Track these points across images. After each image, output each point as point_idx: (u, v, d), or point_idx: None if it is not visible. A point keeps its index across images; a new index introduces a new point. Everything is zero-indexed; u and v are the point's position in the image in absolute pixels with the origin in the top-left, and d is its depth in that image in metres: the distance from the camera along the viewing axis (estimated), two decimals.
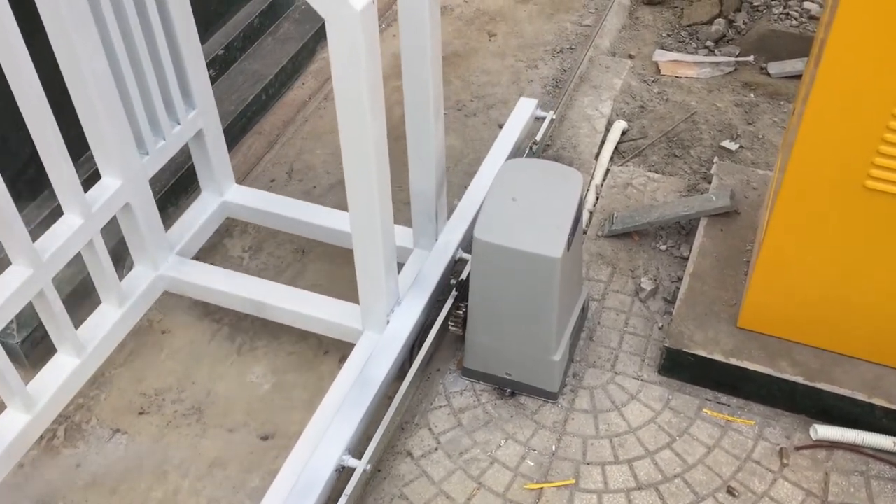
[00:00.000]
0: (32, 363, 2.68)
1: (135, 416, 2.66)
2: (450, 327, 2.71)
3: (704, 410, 2.61)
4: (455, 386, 2.70)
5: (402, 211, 3.02)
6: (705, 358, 2.59)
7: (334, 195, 3.40)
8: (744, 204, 3.06)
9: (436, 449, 2.53)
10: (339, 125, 2.11)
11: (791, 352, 2.59)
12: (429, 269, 2.78)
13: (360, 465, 2.27)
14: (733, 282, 2.79)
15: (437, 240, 2.86)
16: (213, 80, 3.60)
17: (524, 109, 3.51)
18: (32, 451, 2.55)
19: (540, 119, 3.54)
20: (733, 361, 2.57)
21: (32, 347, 2.72)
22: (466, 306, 2.59)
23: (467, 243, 2.89)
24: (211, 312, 2.95)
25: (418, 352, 2.61)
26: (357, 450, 2.35)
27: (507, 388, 2.66)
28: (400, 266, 2.79)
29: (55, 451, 2.56)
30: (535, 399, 2.65)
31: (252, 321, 2.92)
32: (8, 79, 2.13)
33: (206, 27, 3.64)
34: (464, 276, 2.75)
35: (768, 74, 3.99)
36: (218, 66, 3.64)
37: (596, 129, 3.69)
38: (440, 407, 2.64)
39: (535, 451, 2.52)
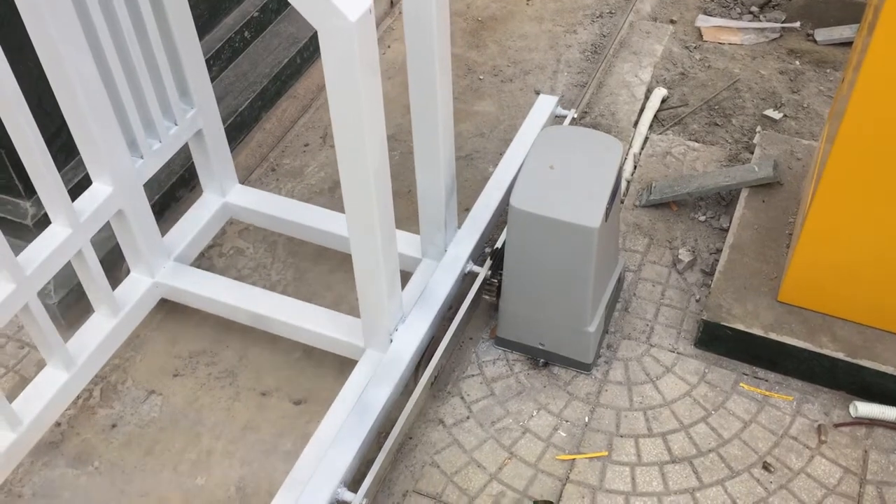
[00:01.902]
0: (69, 323, 2.70)
1: (169, 378, 2.68)
2: (484, 296, 2.68)
3: (741, 385, 2.57)
4: (488, 355, 2.68)
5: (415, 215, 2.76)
6: (744, 332, 2.55)
7: None
8: (787, 175, 2.98)
9: (468, 417, 2.52)
10: (335, 138, 1.94)
11: (832, 327, 2.53)
12: (436, 283, 2.60)
13: (356, 499, 2.12)
14: (774, 254, 2.73)
15: (446, 250, 2.69)
16: (247, 43, 3.57)
17: (543, 108, 3.21)
18: (69, 411, 2.58)
19: (560, 118, 3.25)
20: (772, 336, 2.52)
21: (68, 309, 2.74)
22: (501, 275, 2.56)
23: (478, 255, 2.75)
24: (244, 277, 2.95)
25: (424, 370, 2.44)
26: (354, 479, 2.21)
27: (541, 358, 2.63)
28: (407, 276, 2.65)
29: (91, 411, 2.59)
30: (568, 370, 2.62)
31: (285, 286, 2.92)
32: None
33: None
34: (499, 244, 2.71)
35: (815, 41, 3.87)
36: (253, 29, 3.61)
37: (635, 96, 3.61)
38: (473, 375, 2.62)
39: (567, 422, 2.50)
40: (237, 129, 3.32)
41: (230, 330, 2.79)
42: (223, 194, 2.92)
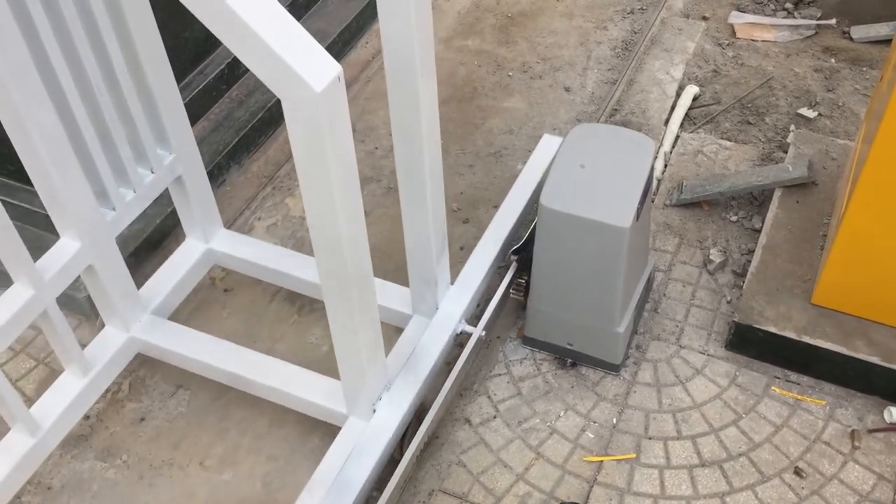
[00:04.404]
0: (97, 315, 2.72)
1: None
2: (511, 294, 2.67)
3: (773, 388, 2.53)
4: (515, 354, 2.66)
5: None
6: (776, 334, 2.51)
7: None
8: (822, 175, 2.93)
9: (494, 417, 2.50)
10: (305, 209, 1.80)
11: (867, 331, 2.49)
12: (425, 346, 2.43)
13: None
14: (808, 256, 2.68)
15: (438, 307, 2.52)
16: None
17: (547, 149, 3.00)
18: (98, 404, 2.59)
19: None
20: (805, 339, 2.48)
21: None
22: (529, 274, 2.54)
23: (471, 314, 2.58)
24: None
25: (409, 443, 2.28)
26: None
27: (569, 359, 2.61)
28: (398, 331, 2.53)
29: (120, 405, 2.61)
30: (596, 370, 2.60)
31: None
32: None
33: None
34: (521, 242, 2.67)
35: (851, 39, 3.80)
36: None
37: (666, 93, 3.57)
38: (500, 375, 2.61)
39: (595, 423, 2.48)
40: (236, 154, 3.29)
41: (259, 323, 2.80)
42: (206, 240, 2.75)
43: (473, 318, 2.57)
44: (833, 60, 3.71)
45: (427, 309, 2.52)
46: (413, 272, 2.44)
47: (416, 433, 2.29)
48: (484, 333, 2.51)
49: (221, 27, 1.54)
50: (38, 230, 2.73)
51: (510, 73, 3.74)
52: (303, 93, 1.55)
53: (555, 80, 3.71)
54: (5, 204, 2.03)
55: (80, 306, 2.75)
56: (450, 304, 2.54)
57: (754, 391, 2.53)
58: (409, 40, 1.89)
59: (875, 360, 2.43)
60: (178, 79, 2.43)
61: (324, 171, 1.68)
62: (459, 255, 2.94)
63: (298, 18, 3.75)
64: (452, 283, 2.60)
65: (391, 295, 2.59)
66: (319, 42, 3.62)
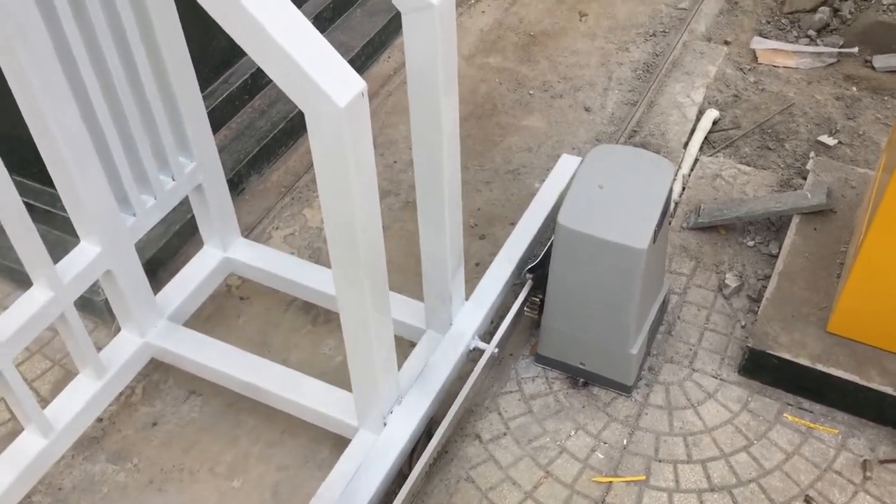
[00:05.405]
0: (114, 319, 2.74)
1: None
2: (526, 312, 2.67)
3: (785, 415, 2.52)
4: (527, 372, 2.66)
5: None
6: (790, 361, 2.50)
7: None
8: (840, 203, 2.93)
9: (505, 434, 2.50)
10: (325, 223, 1.83)
11: (882, 361, 2.48)
12: (437, 361, 2.44)
13: None
14: (825, 284, 2.67)
15: (451, 323, 2.53)
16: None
17: (565, 169, 3.00)
18: (111, 407, 2.61)
19: None
20: (819, 367, 2.47)
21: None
22: (544, 292, 2.54)
23: (484, 331, 2.59)
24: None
25: (419, 457, 2.29)
26: None
27: (581, 378, 2.61)
28: (411, 345, 2.54)
29: (133, 409, 2.63)
30: (608, 391, 2.59)
31: None
32: None
33: None
34: (537, 261, 2.68)
35: (873, 68, 3.80)
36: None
37: (686, 116, 3.58)
38: (511, 392, 2.61)
39: (605, 443, 2.48)
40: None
41: (274, 332, 2.82)
42: (224, 249, 2.79)
43: (487, 335, 2.58)
44: (854, 89, 3.71)
45: (441, 324, 2.53)
46: (428, 287, 2.45)
47: (425, 448, 2.29)
48: (497, 350, 2.51)
49: (249, 41, 1.56)
50: (59, 233, 2.77)
51: (531, 92, 3.76)
52: (326, 108, 1.58)
53: (575, 99, 3.73)
54: (28, 206, 2.06)
55: (97, 310, 2.78)
56: (463, 320, 2.55)
57: (766, 417, 2.52)
58: (434, 59, 1.92)
59: (888, 390, 2.41)
60: (203, 87, 2.46)
61: (345, 185, 1.71)
62: (475, 271, 2.95)
63: (323, 31, 3.80)
64: (467, 299, 2.60)
65: (405, 309, 2.60)
66: (342, 55, 3.65)
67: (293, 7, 1.59)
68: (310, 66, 1.57)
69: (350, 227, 1.79)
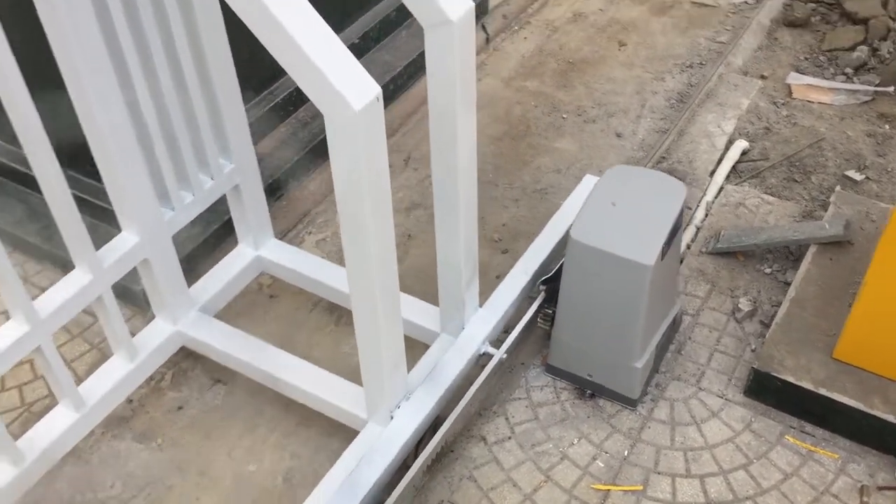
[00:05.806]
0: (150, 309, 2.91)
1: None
2: (538, 323, 2.76)
3: (787, 437, 2.56)
4: (537, 381, 2.75)
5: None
6: (793, 384, 2.54)
7: None
8: (859, 235, 2.97)
9: (509, 438, 2.59)
10: (340, 224, 1.95)
11: (886, 389, 2.51)
12: (447, 362, 2.55)
13: None
14: (835, 312, 2.72)
15: (463, 328, 2.63)
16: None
17: (587, 188, 2.99)
18: (142, 390, 2.77)
19: None
20: (822, 391, 2.51)
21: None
22: (556, 304, 2.63)
23: (496, 338, 2.69)
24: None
25: (422, 450, 2.38)
26: None
27: (588, 389, 2.69)
28: (426, 347, 2.66)
29: (161, 393, 2.78)
30: (613, 403, 2.67)
31: None
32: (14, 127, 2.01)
33: (346, 15, 3.83)
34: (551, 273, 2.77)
35: None
36: (354, 55, 3.81)
37: (715, 146, 3.65)
38: (519, 399, 2.70)
39: (606, 453, 2.55)
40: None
41: (299, 330, 2.95)
42: (256, 248, 2.94)
43: (497, 342, 2.67)
44: (887, 127, 3.74)
45: (454, 329, 2.64)
46: (443, 293, 2.57)
47: (428, 443, 2.39)
48: (505, 356, 2.61)
49: (275, 45, 1.71)
50: (102, 224, 2.95)
51: (564, 116, 3.87)
52: (342, 110, 1.71)
53: (608, 125, 3.83)
54: (76, 197, 2.25)
55: (136, 298, 2.95)
56: (475, 326, 2.65)
57: (768, 438, 2.56)
58: (452, 73, 2.05)
59: (891, 418, 2.44)
60: (251, 97, 2.62)
61: (357, 186, 1.83)
62: (495, 283, 3.04)
63: (369, 50, 3.98)
64: (481, 306, 2.71)
65: (423, 313, 2.73)
66: (385, 74, 3.71)
67: (317, 15, 1.73)
68: (329, 71, 1.71)
69: (363, 228, 1.91)
